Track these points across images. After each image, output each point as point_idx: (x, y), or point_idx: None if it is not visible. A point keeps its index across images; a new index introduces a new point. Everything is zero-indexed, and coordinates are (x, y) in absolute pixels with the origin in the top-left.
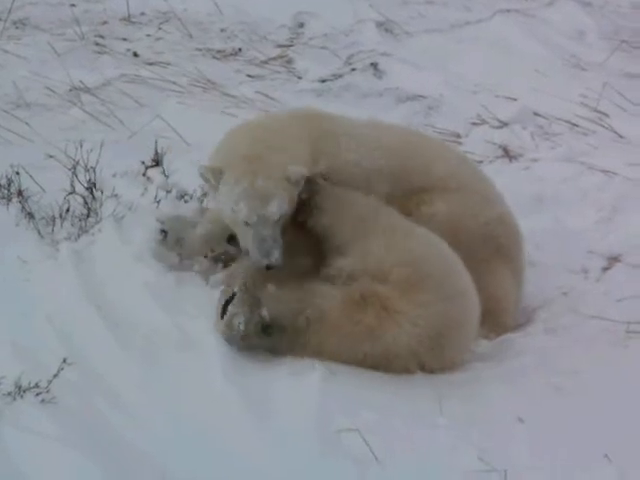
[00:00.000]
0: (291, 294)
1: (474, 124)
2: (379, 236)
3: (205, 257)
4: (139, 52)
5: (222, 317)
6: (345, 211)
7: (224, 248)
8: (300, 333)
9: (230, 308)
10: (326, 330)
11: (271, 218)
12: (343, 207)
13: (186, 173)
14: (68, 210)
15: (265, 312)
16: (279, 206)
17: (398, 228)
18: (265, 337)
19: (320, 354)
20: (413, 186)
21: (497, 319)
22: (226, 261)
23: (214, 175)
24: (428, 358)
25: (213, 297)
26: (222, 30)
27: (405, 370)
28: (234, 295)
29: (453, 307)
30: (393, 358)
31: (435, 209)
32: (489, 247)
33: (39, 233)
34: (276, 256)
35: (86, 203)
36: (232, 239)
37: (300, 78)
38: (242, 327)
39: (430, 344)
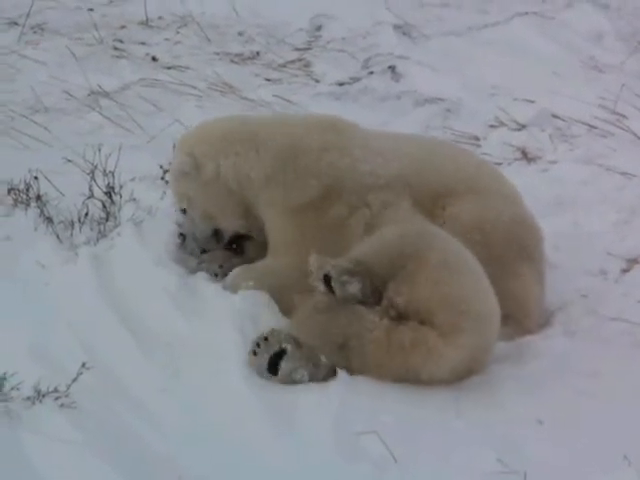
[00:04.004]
0: (333, 324)
1: (492, 127)
2: (427, 270)
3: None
4: (157, 56)
5: (271, 370)
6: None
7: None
8: (341, 361)
9: (285, 365)
10: (367, 361)
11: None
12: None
13: None
14: (87, 214)
15: (324, 359)
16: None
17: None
18: None
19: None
20: (434, 191)
21: (520, 322)
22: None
23: None
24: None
25: (232, 301)
26: (240, 34)
27: None
28: (283, 350)
29: (485, 337)
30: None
31: (459, 211)
32: (513, 248)
33: (58, 237)
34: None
35: (105, 207)
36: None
37: (318, 81)
38: (306, 379)
39: (463, 374)
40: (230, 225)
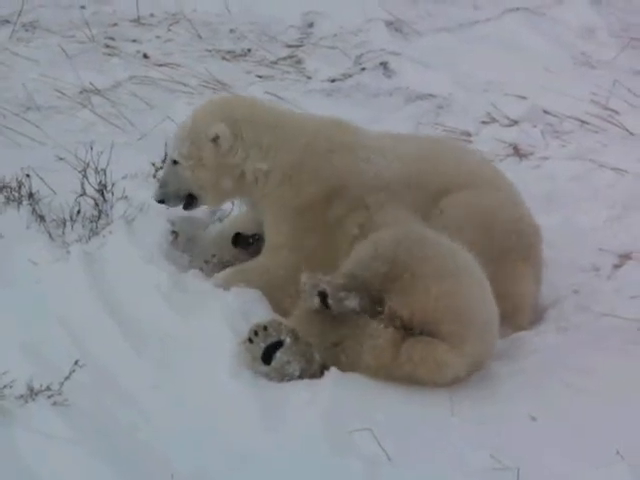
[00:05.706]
0: (329, 323)
1: (484, 123)
2: (428, 281)
3: (206, 263)
4: (149, 53)
5: (265, 360)
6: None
7: (229, 251)
8: (331, 359)
9: (280, 356)
10: (362, 363)
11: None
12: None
13: None
14: (79, 212)
15: (318, 356)
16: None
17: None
18: None
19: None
20: (434, 191)
21: (514, 319)
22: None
23: None
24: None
25: (224, 298)
26: (231, 31)
27: None
28: (280, 342)
29: (488, 343)
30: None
31: (460, 206)
32: (511, 245)
33: (50, 235)
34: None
35: (97, 205)
36: (237, 240)
37: (310, 78)
38: (297, 373)
39: (463, 377)
40: (209, 203)
